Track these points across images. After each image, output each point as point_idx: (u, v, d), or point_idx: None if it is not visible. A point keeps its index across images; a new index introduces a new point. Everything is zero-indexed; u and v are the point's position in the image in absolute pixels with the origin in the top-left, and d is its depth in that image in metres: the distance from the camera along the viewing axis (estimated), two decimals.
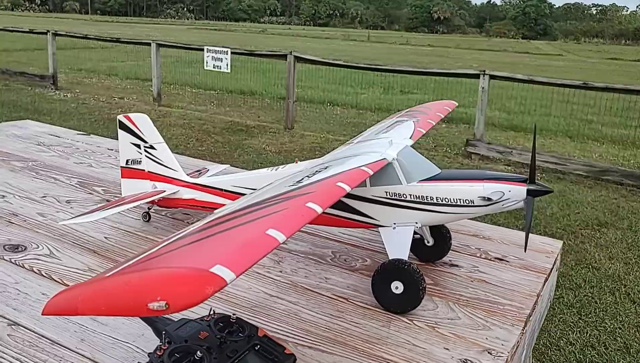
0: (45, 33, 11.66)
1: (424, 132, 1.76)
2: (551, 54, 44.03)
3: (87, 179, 2.31)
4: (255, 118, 9.99)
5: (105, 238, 1.75)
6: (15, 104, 9.76)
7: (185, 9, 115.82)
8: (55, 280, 1.47)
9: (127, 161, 1.85)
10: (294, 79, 8.84)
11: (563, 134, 10.20)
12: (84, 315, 0.76)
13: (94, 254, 1.64)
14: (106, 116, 9.25)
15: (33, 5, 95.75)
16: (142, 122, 1.82)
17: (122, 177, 1.88)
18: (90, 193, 2.15)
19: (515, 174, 1.50)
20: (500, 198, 1.41)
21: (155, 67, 10.20)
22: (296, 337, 1.29)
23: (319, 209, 1.01)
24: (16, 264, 1.54)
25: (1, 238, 1.69)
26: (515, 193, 1.41)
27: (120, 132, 1.84)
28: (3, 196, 2.05)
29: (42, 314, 0.80)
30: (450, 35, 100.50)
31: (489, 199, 1.41)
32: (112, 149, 2.83)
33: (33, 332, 1.24)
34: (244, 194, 1.65)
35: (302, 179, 1.22)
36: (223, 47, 9.31)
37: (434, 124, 1.91)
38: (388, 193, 1.47)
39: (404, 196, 1.46)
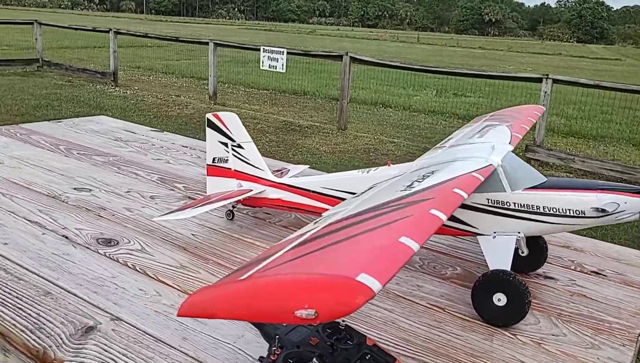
0: (108, 32, 12.03)
1: (520, 138, 1.69)
2: (609, 59, 42.42)
3: (166, 176, 2.34)
4: (308, 118, 10.01)
5: (193, 235, 1.75)
6: (78, 99, 10.11)
7: (236, 9, 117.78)
8: (150, 276, 1.48)
9: (214, 159, 1.86)
10: (349, 79, 8.80)
11: (627, 142, 9.79)
12: (222, 318, 0.75)
13: (184, 251, 1.64)
14: (164, 113, 9.46)
15: (92, 4, 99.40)
16: (231, 121, 1.82)
17: (208, 175, 1.89)
18: (171, 190, 2.17)
19: (630, 185, 1.41)
20: (615, 209, 1.33)
21: (212, 66, 10.36)
22: (397, 346, 1.25)
23: (444, 217, 0.97)
24: (111, 258, 1.56)
25: (93, 232, 1.72)
26: (632, 205, 1.32)
27: (209, 131, 1.85)
28: (90, 189, 2.09)
29: (177, 315, 0.78)
30: (501, 37, 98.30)
31: (603, 210, 1.33)
32: (186, 146, 2.86)
33: (135, 327, 1.24)
34: (333, 196, 1.63)
35: (412, 184, 1.18)
36: (279, 47, 9.37)
37: (528, 129, 1.83)
38: (490, 201, 1.41)
39: (508, 204, 1.40)
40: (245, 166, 1.82)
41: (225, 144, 1.83)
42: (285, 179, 1.79)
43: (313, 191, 1.68)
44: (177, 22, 67.41)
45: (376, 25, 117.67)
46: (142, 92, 11.65)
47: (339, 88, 13.50)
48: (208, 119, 1.85)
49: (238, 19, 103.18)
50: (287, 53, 9.21)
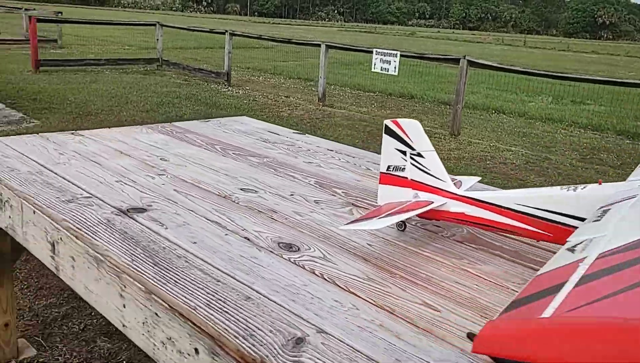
0: (224, 33, 12.52)
1: None
2: None
3: (322, 180, 2.32)
4: None
5: (369, 245, 1.70)
6: (195, 98, 10.60)
7: (335, 11, 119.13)
8: (341, 287, 1.43)
9: (389, 167, 1.80)
10: (464, 84, 8.52)
11: None
12: (538, 361, 0.66)
13: (365, 261, 1.59)
14: (275, 114, 9.67)
15: (200, 6, 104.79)
16: (411, 128, 1.75)
17: (380, 183, 1.83)
18: (332, 195, 2.14)
19: None
20: None
21: (323, 68, 10.46)
22: None
23: None
24: (297, 264, 1.54)
25: (272, 235, 1.71)
26: None
27: (385, 137, 1.79)
28: (255, 191, 2.11)
29: (472, 351, 0.71)
30: (616, 41, 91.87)
31: None
32: (332, 150, 2.85)
33: (344, 343, 1.20)
34: (533, 216, 1.50)
35: None
36: (392, 49, 9.27)
37: None
38: None
39: None
40: (425, 176, 1.74)
41: (404, 152, 1.76)
42: (469, 193, 1.69)
43: (506, 208, 1.56)
44: (280, 23, 69.32)
45: (478, 28, 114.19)
46: (253, 92, 12.01)
47: (447, 92, 13.18)
48: (386, 125, 1.79)
49: (337, 21, 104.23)
50: (401, 56, 9.08)
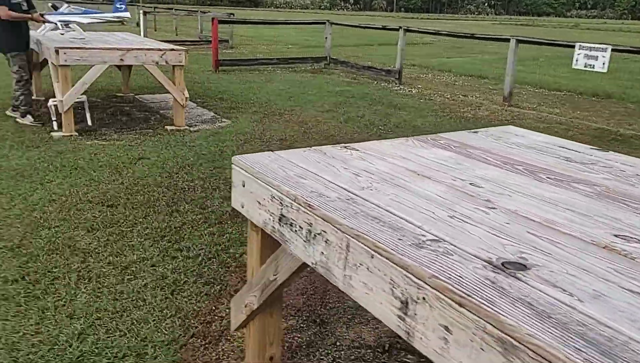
0: (397, 29, 12.09)
1: None
2: None
3: None
4: (625, 126, 8.55)
5: None
6: (370, 97, 10.29)
7: (485, 4, 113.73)
8: None
9: None
10: None
11: None
12: None
13: None
14: (459, 115, 9.01)
15: (347, 4, 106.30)
16: None
17: None
18: None
19: None
20: None
21: (511, 65, 9.57)
22: None
23: None
24: None
25: None
26: None
27: None
28: (638, 240, 1.56)
29: None
30: None
31: None
32: None
33: None
34: None
35: None
36: (601, 44, 8.13)
37: None
38: None
39: None
40: None
41: None
42: None
43: None
44: (427, 18, 67.77)
45: None
46: (427, 90, 11.43)
47: None
48: None
49: (487, 14, 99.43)
50: (613, 50, 7.93)
